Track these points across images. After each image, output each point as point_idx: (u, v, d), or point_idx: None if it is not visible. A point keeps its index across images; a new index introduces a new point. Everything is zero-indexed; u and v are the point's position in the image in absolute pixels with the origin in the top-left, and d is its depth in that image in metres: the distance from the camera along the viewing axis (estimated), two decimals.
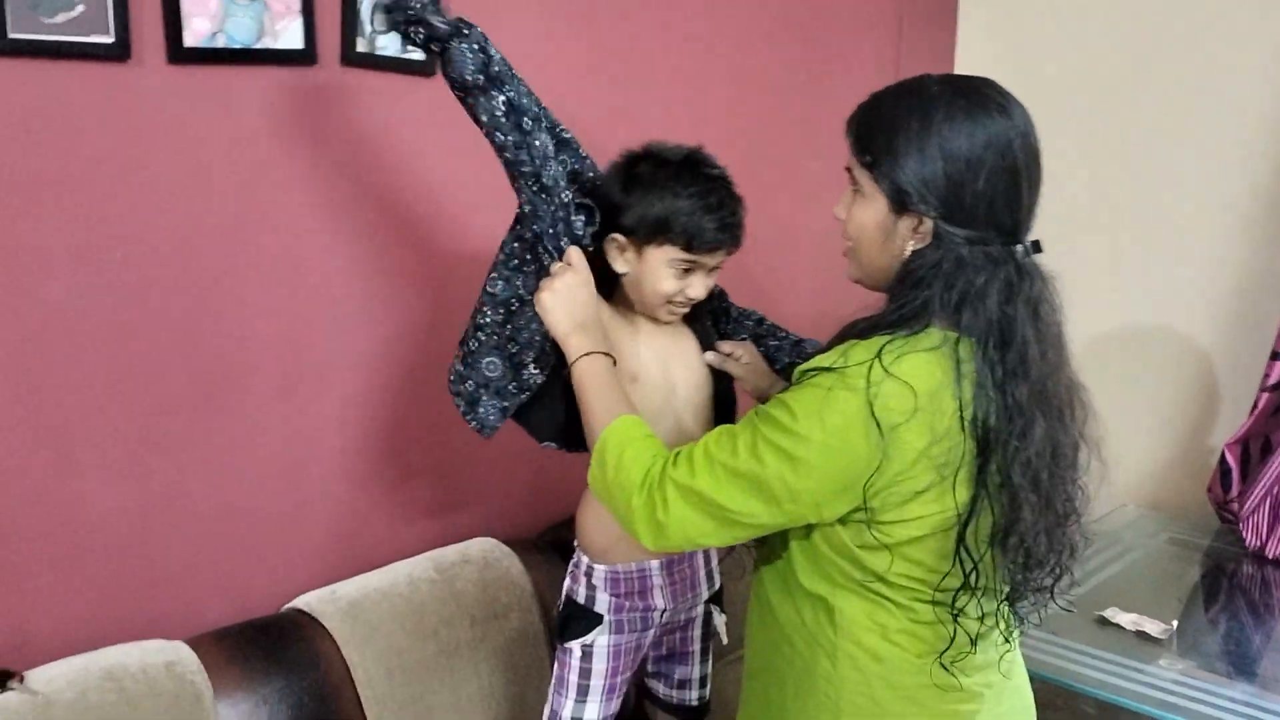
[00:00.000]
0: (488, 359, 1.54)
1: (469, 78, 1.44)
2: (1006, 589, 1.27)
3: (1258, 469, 2.48)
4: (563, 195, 1.49)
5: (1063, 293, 1.25)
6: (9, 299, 1.52)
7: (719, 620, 1.76)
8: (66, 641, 1.59)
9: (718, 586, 1.75)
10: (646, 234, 1.50)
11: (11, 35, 1.46)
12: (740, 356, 1.63)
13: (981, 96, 1.20)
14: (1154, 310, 2.85)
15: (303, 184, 1.79)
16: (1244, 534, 2.47)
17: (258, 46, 1.69)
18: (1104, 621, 2.05)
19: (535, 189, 1.47)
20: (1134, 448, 2.85)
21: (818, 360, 1.21)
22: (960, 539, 1.20)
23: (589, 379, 1.38)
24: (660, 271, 1.51)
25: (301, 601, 1.80)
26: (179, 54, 1.61)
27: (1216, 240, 2.72)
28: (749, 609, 1.43)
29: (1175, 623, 2.04)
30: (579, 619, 1.65)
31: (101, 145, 1.57)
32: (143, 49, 1.58)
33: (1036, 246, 1.23)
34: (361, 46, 1.81)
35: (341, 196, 1.85)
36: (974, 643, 1.26)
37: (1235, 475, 2.50)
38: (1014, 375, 1.18)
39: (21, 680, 1.49)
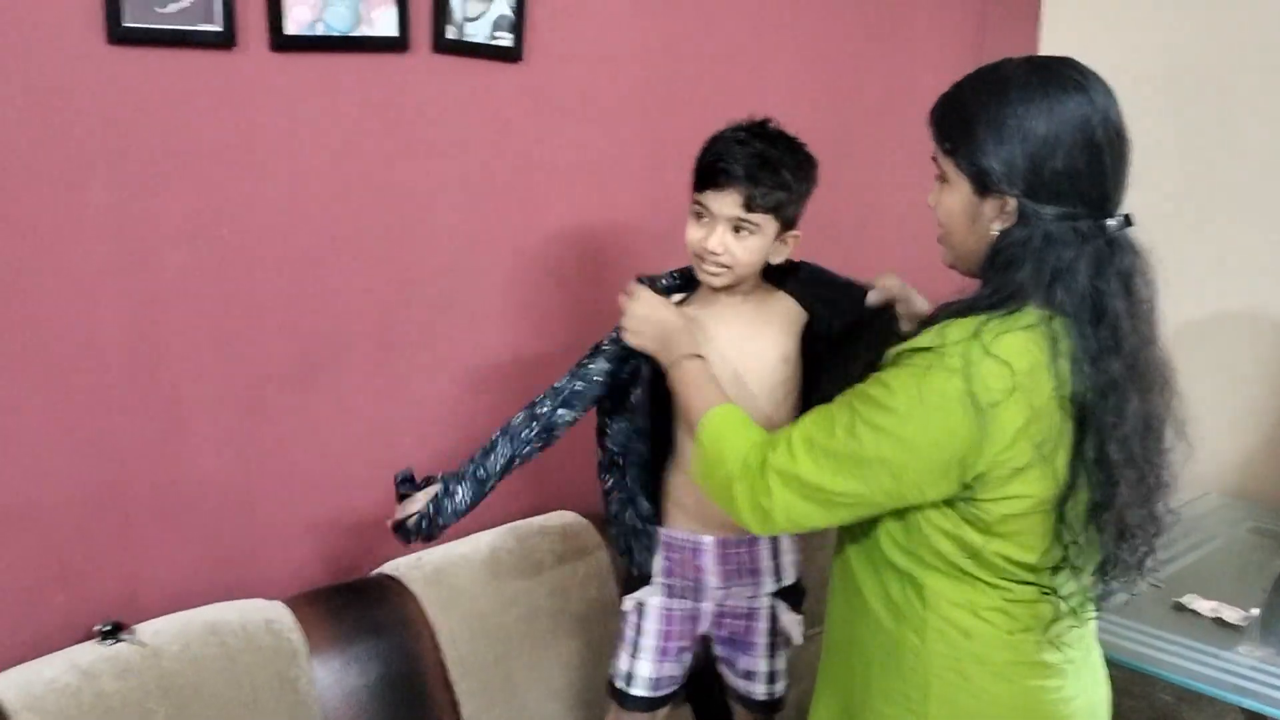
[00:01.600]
0: None
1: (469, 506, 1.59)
2: (1095, 566, 1.27)
3: None
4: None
5: (1157, 267, 1.23)
6: (128, 273, 1.62)
7: (787, 619, 1.76)
8: (173, 597, 1.69)
9: (789, 583, 1.75)
10: (693, 184, 1.55)
11: (126, 24, 1.55)
12: (891, 286, 1.59)
13: (1058, 74, 1.20)
14: (1246, 296, 2.80)
15: (398, 165, 1.87)
16: None
17: (355, 34, 1.76)
18: (1181, 608, 2.04)
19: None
20: (1219, 435, 2.81)
21: (914, 341, 1.22)
22: (1060, 515, 1.21)
23: (683, 383, 1.45)
24: (689, 218, 1.55)
25: (390, 567, 1.88)
26: (281, 41, 1.69)
27: None
28: (831, 583, 1.44)
29: (1255, 610, 2.02)
30: (635, 577, 1.72)
31: (210, 128, 1.66)
32: (247, 37, 1.66)
33: (1128, 220, 1.23)
34: (451, 33, 1.87)
35: (435, 177, 1.91)
36: (1074, 616, 1.27)
37: None
38: (1108, 350, 1.18)
39: (132, 632, 1.59)
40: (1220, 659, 1.87)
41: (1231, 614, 2.00)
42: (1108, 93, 1.22)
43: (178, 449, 1.70)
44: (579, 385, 1.60)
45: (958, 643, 1.28)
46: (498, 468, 1.59)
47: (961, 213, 1.26)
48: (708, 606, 1.72)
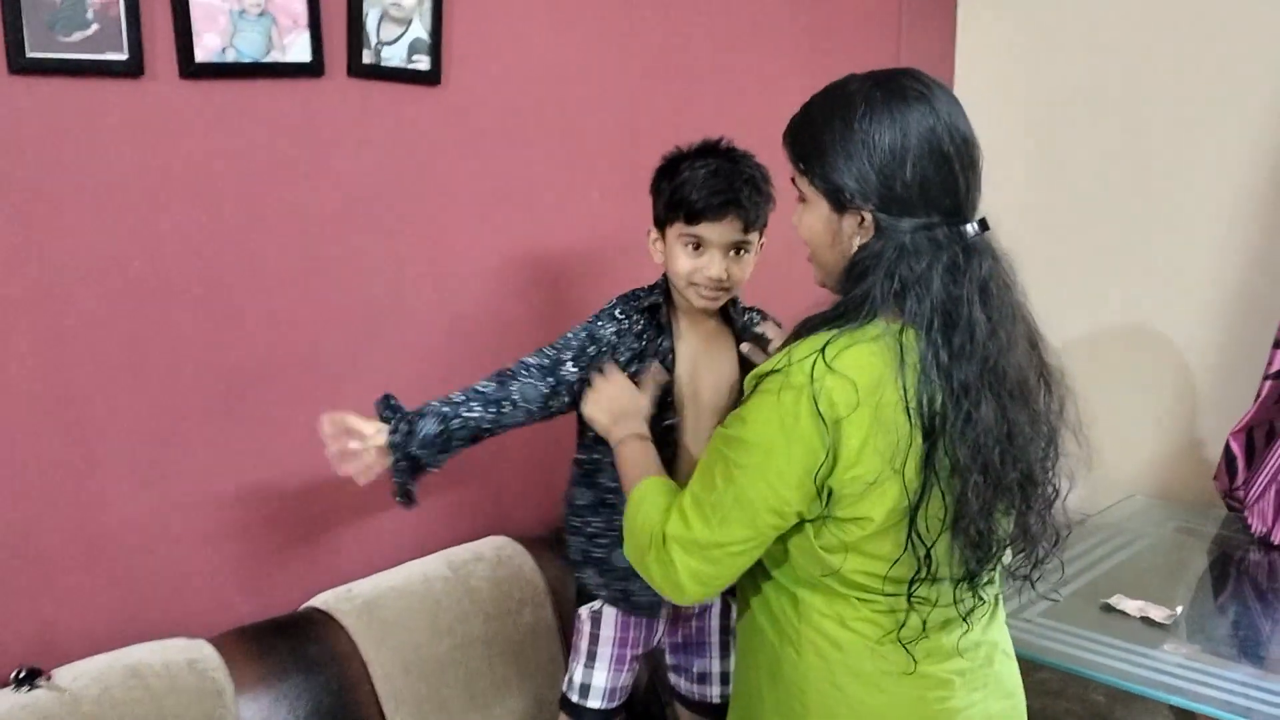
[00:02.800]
0: None
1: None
2: (960, 575, 1.27)
3: (1263, 456, 2.50)
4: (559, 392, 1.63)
5: (1017, 270, 1.26)
6: (35, 307, 1.57)
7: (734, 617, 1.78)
8: (92, 640, 1.64)
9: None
10: (662, 217, 1.60)
11: (30, 54, 1.52)
12: (772, 341, 1.63)
13: (900, 87, 1.22)
14: (1157, 302, 2.88)
15: (316, 193, 1.84)
16: (1250, 521, 2.48)
17: (266, 60, 1.74)
18: (1110, 609, 2.07)
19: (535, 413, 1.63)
20: (1140, 438, 2.88)
21: (766, 364, 1.25)
22: (911, 525, 1.21)
23: (623, 460, 1.49)
24: (675, 250, 1.58)
25: (319, 600, 1.85)
26: (190, 69, 1.67)
27: (1219, 232, 2.74)
28: (736, 600, 1.46)
29: (1180, 608, 2.06)
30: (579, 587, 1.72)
31: (119, 158, 1.62)
32: (155, 65, 1.63)
33: (984, 225, 1.24)
34: (367, 58, 1.86)
35: (352, 204, 1.89)
36: (924, 626, 1.27)
37: (1240, 463, 2.52)
38: (961, 356, 1.19)
39: (49, 678, 1.54)
40: (1149, 658, 1.90)
41: (1158, 613, 2.04)
42: (952, 101, 1.24)
43: (92, 487, 1.65)
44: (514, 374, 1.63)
45: (830, 654, 1.29)
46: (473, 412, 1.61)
47: (823, 231, 1.28)
48: (664, 612, 1.73)
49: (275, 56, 1.75)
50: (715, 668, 1.81)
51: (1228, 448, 2.53)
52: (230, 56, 1.70)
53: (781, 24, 2.59)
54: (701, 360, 1.66)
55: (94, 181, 1.61)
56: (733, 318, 1.68)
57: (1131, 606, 2.06)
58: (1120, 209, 2.88)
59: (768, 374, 1.23)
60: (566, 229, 2.21)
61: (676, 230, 1.57)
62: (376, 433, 1.55)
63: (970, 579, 1.27)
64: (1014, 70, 2.99)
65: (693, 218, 1.54)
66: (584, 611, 1.74)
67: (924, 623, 1.27)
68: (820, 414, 1.17)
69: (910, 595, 1.25)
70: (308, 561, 1.90)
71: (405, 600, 1.87)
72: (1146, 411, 2.88)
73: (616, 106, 2.27)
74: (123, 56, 1.60)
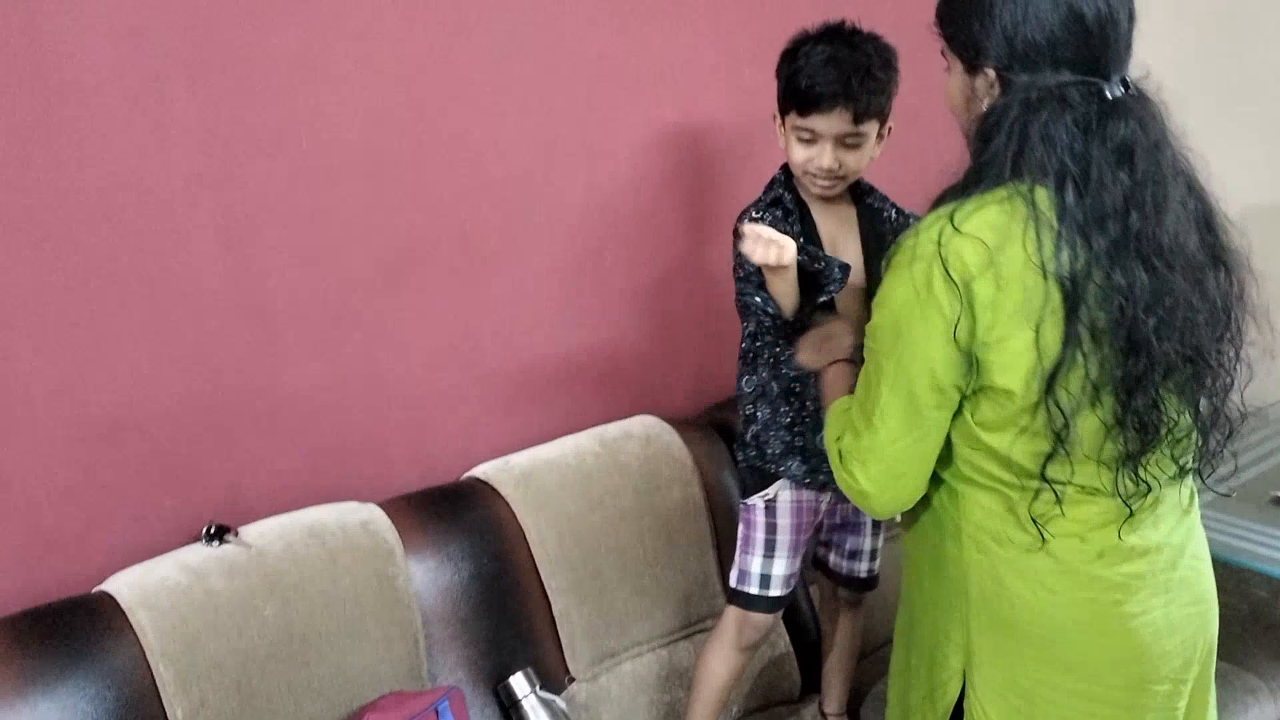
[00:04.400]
0: None
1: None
2: (1120, 456, 1.21)
3: None
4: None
5: (1180, 137, 1.21)
6: (214, 184, 1.64)
7: None
8: (273, 501, 1.75)
9: None
10: (780, 106, 1.61)
11: None
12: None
13: None
14: None
15: (468, 74, 1.86)
16: None
17: None
18: (1278, 502, 2.00)
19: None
20: None
21: (899, 240, 1.24)
22: (1049, 392, 1.16)
23: (826, 384, 1.50)
24: (791, 140, 1.59)
25: (479, 470, 1.92)
26: None
27: None
28: None
29: None
30: (762, 476, 1.72)
31: (288, 36, 1.66)
32: None
33: (1127, 85, 1.20)
34: None
35: (511, 83, 1.91)
36: (1060, 502, 1.22)
37: None
38: (1097, 221, 1.15)
39: (236, 534, 1.66)
40: None
41: None
42: None
43: (270, 358, 1.74)
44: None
45: (992, 550, 1.27)
46: None
47: (959, 94, 1.29)
48: (831, 491, 1.73)
49: None
50: (867, 545, 1.84)
51: None
52: None
53: None
54: (839, 239, 1.67)
55: (264, 58, 1.65)
56: (863, 201, 1.69)
57: None
58: None
59: (899, 249, 1.23)
60: (716, 107, 2.18)
61: (791, 120, 1.58)
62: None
63: (1130, 463, 1.21)
64: None
65: (803, 109, 1.55)
66: (758, 502, 1.73)
67: (1058, 500, 1.22)
68: (951, 277, 1.16)
69: (1044, 472, 1.20)
70: (468, 434, 1.98)
71: (559, 472, 1.93)
72: None
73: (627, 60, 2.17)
74: None
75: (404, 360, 1.88)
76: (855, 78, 1.52)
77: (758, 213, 1.64)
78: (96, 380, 1.59)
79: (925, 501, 1.34)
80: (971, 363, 1.20)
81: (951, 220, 1.18)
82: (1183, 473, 1.28)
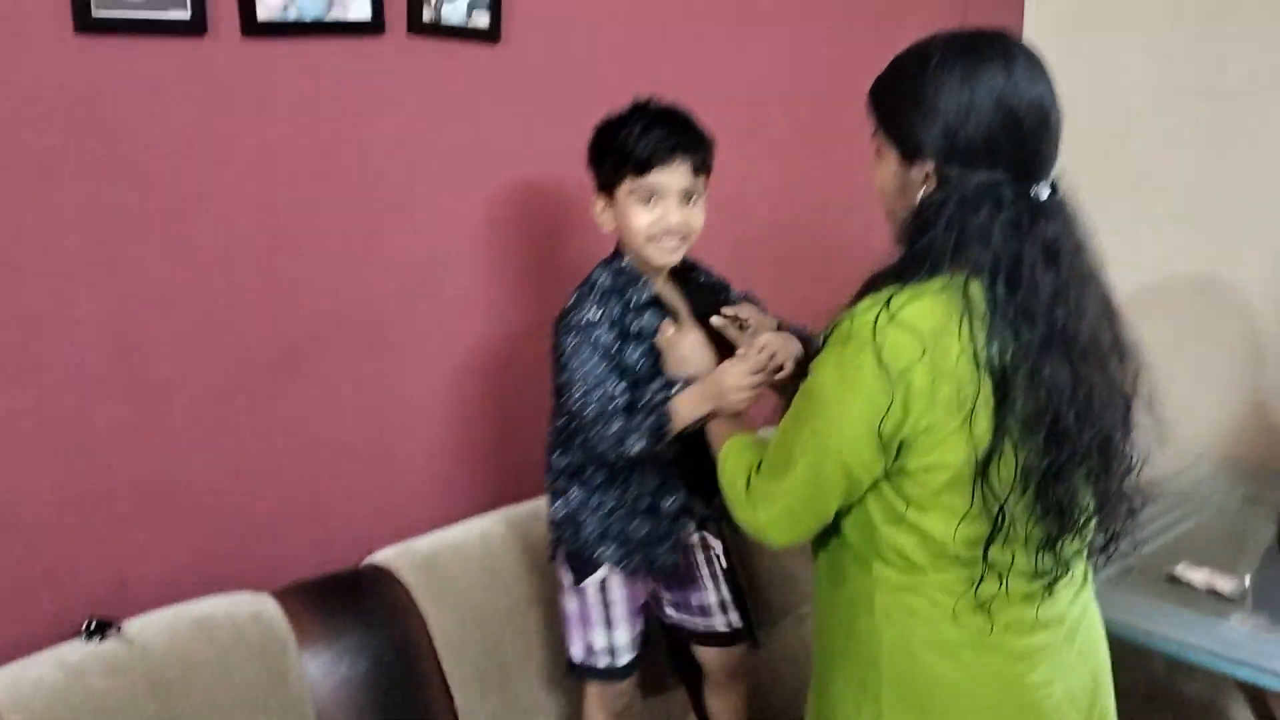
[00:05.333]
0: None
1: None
2: (1041, 541, 1.26)
3: None
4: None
5: (1091, 236, 1.26)
6: (104, 266, 1.59)
7: (713, 544, 1.82)
8: (160, 592, 1.68)
9: (706, 513, 1.78)
10: (607, 181, 1.61)
11: (96, 14, 1.52)
12: (746, 320, 1.64)
13: (977, 47, 1.24)
14: (1228, 260, 2.79)
15: (375, 151, 1.84)
16: None
17: (328, 19, 1.73)
18: (1174, 579, 2.03)
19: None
20: (1206, 400, 2.80)
21: (834, 320, 1.26)
22: (983, 479, 1.20)
23: (712, 427, 1.52)
24: (630, 208, 1.59)
25: (379, 557, 1.87)
26: (252, 27, 1.66)
27: None
28: (813, 566, 1.45)
29: (1248, 579, 2.01)
30: (586, 561, 1.73)
31: (181, 118, 1.63)
32: (218, 23, 1.63)
33: (1054, 188, 1.25)
34: (427, 15, 1.85)
35: (414, 162, 1.89)
36: (1006, 589, 1.25)
37: None
38: (1026, 316, 1.19)
39: (119, 629, 1.58)
40: (1214, 629, 1.87)
41: (1225, 583, 2.00)
42: (1032, 64, 1.25)
43: (160, 443, 1.68)
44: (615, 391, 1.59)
45: (904, 623, 1.29)
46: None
47: (892, 182, 1.31)
48: (645, 578, 1.77)
49: (336, 14, 1.74)
50: (712, 599, 1.83)
51: None
52: (292, 15, 1.70)
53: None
54: (678, 306, 1.69)
55: (157, 141, 1.62)
56: (685, 279, 1.71)
57: (1197, 576, 2.03)
58: (1192, 163, 2.79)
59: (834, 328, 1.25)
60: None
61: (628, 187, 1.58)
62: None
63: (1051, 546, 1.26)
64: (1081, 34, 2.91)
65: (642, 167, 1.56)
66: (589, 586, 1.73)
67: (1004, 587, 1.25)
68: (884, 365, 1.18)
69: (986, 555, 1.24)
70: (367, 518, 1.93)
71: (463, 557, 1.89)
72: (1213, 372, 2.81)
73: (672, 63, 2.24)
74: (185, 15, 1.60)
75: (300, 444, 1.83)
76: (687, 132, 1.59)
77: (598, 307, 1.60)
78: None
79: (839, 576, 1.35)
80: (894, 451, 1.23)
81: (888, 307, 1.20)
82: (1090, 552, 1.33)
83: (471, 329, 2.02)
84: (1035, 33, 2.97)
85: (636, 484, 1.67)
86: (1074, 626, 1.34)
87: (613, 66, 2.14)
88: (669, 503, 1.70)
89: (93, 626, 1.56)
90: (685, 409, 1.52)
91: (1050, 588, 1.29)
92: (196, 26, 1.61)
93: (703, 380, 1.54)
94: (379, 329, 1.89)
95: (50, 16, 1.49)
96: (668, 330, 1.60)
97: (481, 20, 1.92)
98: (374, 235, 1.86)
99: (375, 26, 1.79)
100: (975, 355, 1.18)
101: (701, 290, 1.72)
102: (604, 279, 1.64)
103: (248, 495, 1.79)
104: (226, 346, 1.73)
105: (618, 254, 1.66)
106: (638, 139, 1.56)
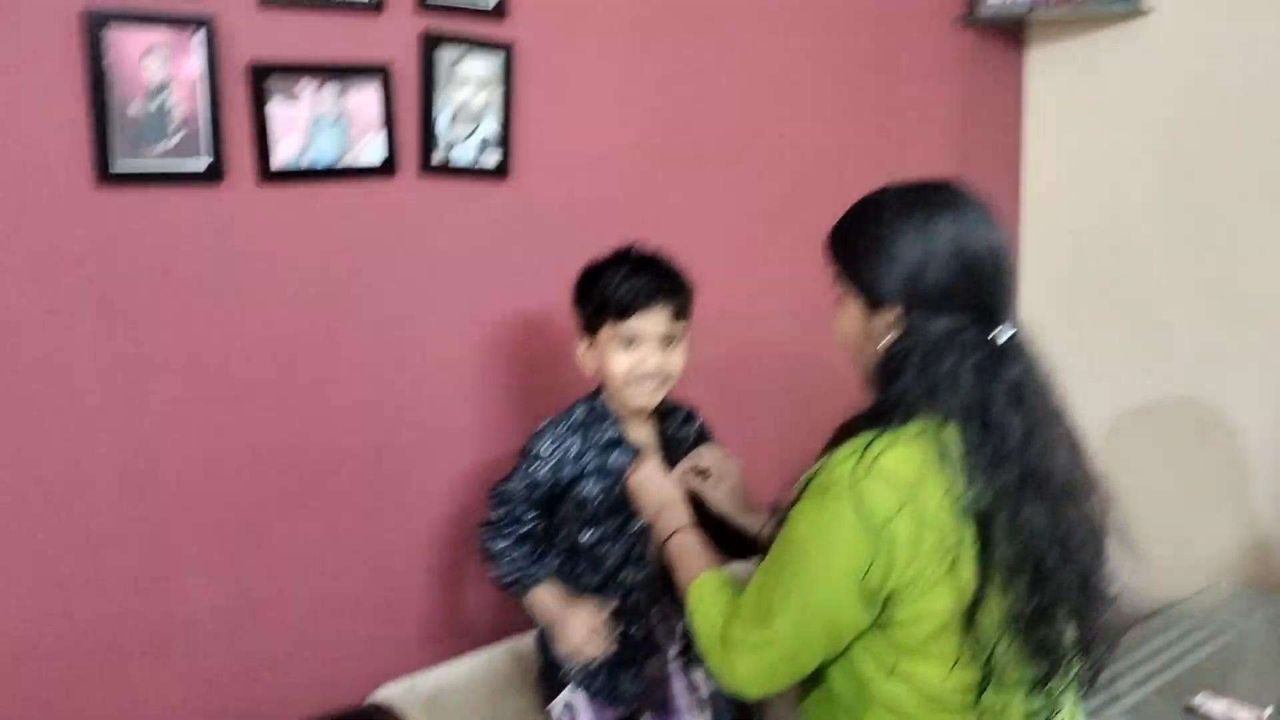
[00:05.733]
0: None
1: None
2: (1031, 683, 1.27)
3: None
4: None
5: (1054, 375, 1.29)
6: (118, 406, 1.63)
7: (696, 675, 1.81)
8: None
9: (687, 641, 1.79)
10: (590, 324, 1.66)
11: (115, 169, 1.58)
12: (707, 469, 1.71)
13: (930, 195, 1.30)
14: (1240, 380, 2.79)
15: (388, 288, 1.89)
16: None
17: (342, 164, 1.79)
18: (1192, 710, 1.99)
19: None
20: (1224, 521, 2.77)
21: (810, 471, 1.28)
22: (970, 626, 1.21)
23: (678, 552, 1.51)
24: (610, 351, 1.63)
25: (383, 695, 1.85)
26: (268, 174, 1.72)
27: None
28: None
29: (1270, 709, 1.97)
30: (557, 679, 1.75)
31: (198, 262, 1.68)
32: (234, 171, 1.69)
33: (1015, 330, 1.28)
34: (437, 158, 1.91)
35: (426, 298, 1.93)
36: None
37: None
38: (1001, 459, 1.21)
39: None
40: None
41: (1246, 715, 1.95)
42: (983, 211, 1.30)
43: (168, 581, 1.69)
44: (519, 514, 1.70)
45: None
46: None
47: (857, 330, 1.34)
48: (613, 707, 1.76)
49: (350, 160, 1.80)
50: None
51: None
52: (306, 161, 1.75)
53: (845, 107, 2.59)
54: (649, 446, 1.73)
55: (173, 285, 1.66)
56: (664, 421, 1.77)
57: (1217, 708, 1.98)
58: (1198, 287, 2.81)
59: (811, 479, 1.26)
60: None
61: (609, 332, 1.63)
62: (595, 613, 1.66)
63: (1041, 686, 1.26)
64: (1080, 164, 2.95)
65: (623, 313, 1.61)
66: (559, 706, 1.74)
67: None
68: (864, 518, 1.18)
69: (979, 700, 1.23)
70: (372, 652, 1.92)
71: (469, 694, 1.87)
72: (1231, 492, 2.78)
73: (682, 192, 2.29)
74: (203, 166, 1.66)
75: (307, 578, 1.84)
76: (668, 279, 1.64)
77: (553, 443, 1.69)
78: None
79: None
80: (880, 604, 1.23)
81: (864, 456, 1.21)
82: (1074, 686, 1.34)
83: (474, 458, 2.03)
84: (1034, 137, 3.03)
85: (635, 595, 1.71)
86: None
87: (618, 197, 2.20)
88: (634, 629, 1.72)
89: None
90: (538, 604, 1.67)
91: None
92: (214, 175, 1.67)
93: (562, 607, 1.63)
94: (383, 462, 1.91)
95: (72, 171, 1.56)
96: (633, 471, 1.64)
97: (491, 159, 1.98)
98: (386, 369, 1.90)
99: (387, 169, 1.85)
100: (955, 504, 1.19)
101: (676, 438, 1.78)
102: (579, 414, 1.71)
103: (254, 630, 1.79)
104: (238, 482, 1.75)
105: (599, 391, 1.72)
106: (619, 285, 1.61)
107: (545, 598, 1.66)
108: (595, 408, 1.71)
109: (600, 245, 2.15)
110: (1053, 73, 2.97)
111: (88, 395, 1.60)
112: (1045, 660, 1.25)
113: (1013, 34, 2.93)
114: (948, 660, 1.24)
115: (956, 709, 1.26)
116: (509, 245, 2.03)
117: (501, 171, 2.00)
